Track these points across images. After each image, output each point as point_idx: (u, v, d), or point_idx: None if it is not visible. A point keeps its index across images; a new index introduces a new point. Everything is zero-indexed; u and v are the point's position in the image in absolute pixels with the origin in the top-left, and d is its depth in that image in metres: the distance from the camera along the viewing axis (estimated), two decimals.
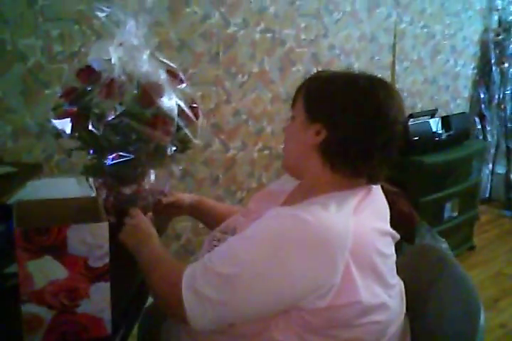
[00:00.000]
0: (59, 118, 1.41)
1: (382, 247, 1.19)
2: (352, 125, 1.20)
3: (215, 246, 1.35)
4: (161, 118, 1.39)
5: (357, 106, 1.21)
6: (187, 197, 1.69)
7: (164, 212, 1.63)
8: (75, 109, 1.40)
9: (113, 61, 1.40)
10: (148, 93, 1.39)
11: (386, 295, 1.20)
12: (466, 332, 1.24)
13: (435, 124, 3.38)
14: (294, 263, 1.11)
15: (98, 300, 1.17)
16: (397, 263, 1.29)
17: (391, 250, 1.25)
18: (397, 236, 1.29)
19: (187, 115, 1.46)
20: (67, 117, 1.40)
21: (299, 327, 1.15)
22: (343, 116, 1.21)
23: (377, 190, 1.30)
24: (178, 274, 1.19)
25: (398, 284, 1.28)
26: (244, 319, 1.18)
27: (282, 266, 1.12)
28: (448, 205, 3.43)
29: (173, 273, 1.22)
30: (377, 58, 3.47)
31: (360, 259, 1.13)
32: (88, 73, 1.42)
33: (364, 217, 1.18)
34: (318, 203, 1.17)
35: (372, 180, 1.26)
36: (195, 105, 1.52)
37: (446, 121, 3.43)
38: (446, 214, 3.44)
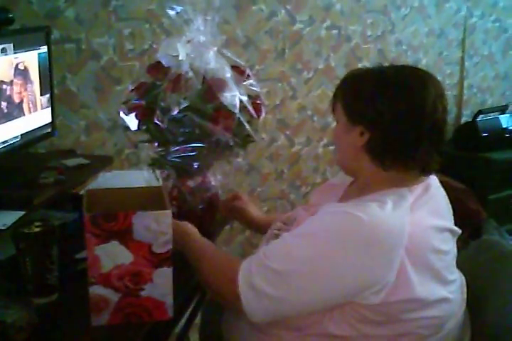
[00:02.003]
0: (128, 112, 1.48)
1: (440, 244, 1.19)
2: (390, 122, 1.20)
3: (276, 235, 1.38)
4: (223, 113, 1.43)
5: (391, 103, 1.20)
6: (254, 211, 1.71)
7: (228, 213, 1.69)
8: (143, 102, 1.47)
9: (181, 57, 1.45)
10: (212, 88, 1.44)
11: (445, 291, 1.20)
12: None
13: (505, 120, 3.30)
14: (348, 261, 1.13)
15: (161, 285, 1.22)
16: (460, 256, 1.28)
17: (449, 246, 1.24)
18: (459, 231, 1.29)
19: (249, 111, 1.49)
20: (136, 110, 1.47)
21: (354, 320, 1.17)
22: (380, 115, 1.20)
23: (436, 186, 1.30)
24: (234, 269, 1.22)
25: (459, 279, 1.28)
26: (300, 313, 1.20)
27: (336, 263, 1.14)
28: None
29: (228, 268, 1.25)
30: (445, 54, 3.42)
31: (416, 257, 1.14)
32: (157, 68, 1.48)
33: (421, 214, 1.18)
34: (374, 200, 1.17)
35: (425, 171, 1.25)
36: (258, 101, 1.55)
37: None
38: None
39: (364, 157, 1.25)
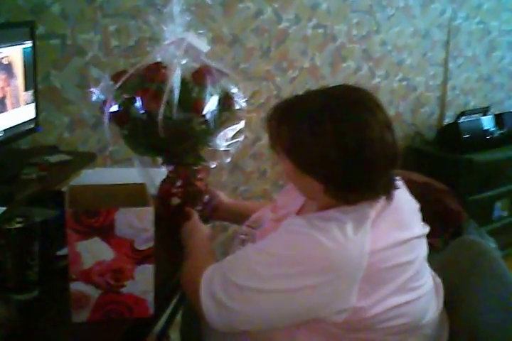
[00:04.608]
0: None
1: (404, 256, 1.17)
2: (343, 171, 1.14)
3: (243, 240, 1.41)
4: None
5: (336, 148, 1.13)
6: (226, 198, 1.75)
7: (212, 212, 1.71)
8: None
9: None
10: (202, 70, 1.51)
11: (411, 298, 1.19)
12: (504, 325, 1.26)
13: (487, 122, 3.34)
14: (307, 284, 1.13)
15: (142, 282, 1.22)
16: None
17: (415, 253, 1.22)
18: (427, 230, 1.29)
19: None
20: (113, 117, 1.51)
21: (322, 333, 1.18)
22: (330, 166, 1.15)
23: (398, 194, 1.23)
24: (202, 273, 1.24)
25: (429, 282, 1.27)
26: (257, 328, 1.21)
27: (295, 286, 1.13)
28: (498, 204, 3.38)
29: (199, 270, 1.26)
30: (430, 54, 3.44)
31: (376, 276, 1.13)
32: (155, 70, 1.51)
33: (383, 230, 1.16)
34: (335, 219, 1.15)
35: (388, 193, 1.20)
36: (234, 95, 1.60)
37: (499, 119, 3.39)
38: (496, 214, 3.39)
39: (325, 196, 1.20)
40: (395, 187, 1.21)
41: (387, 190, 1.19)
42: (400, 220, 1.22)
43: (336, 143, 1.13)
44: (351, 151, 1.13)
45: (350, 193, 1.17)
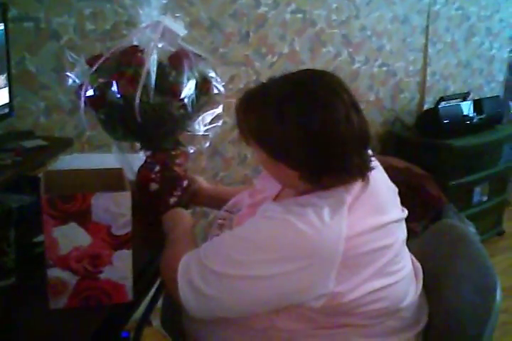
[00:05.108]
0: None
1: (382, 241, 1.17)
2: (314, 156, 1.14)
3: (221, 225, 1.40)
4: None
5: (303, 137, 1.12)
6: (205, 183, 1.74)
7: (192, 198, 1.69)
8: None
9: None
10: (179, 53, 1.50)
11: (390, 282, 1.19)
12: (482, 307, 1.26)
13: (467, 107, 3.35)
14: (284, 270, 1.12)
15: (120, 267, 1.21)
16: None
17: (394, 237, 1.22)
18: (405, 213, 1.29)
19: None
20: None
21: (300, 318, 1.18)
22: (293, 153, 1.15)
23: (375, 176, 1.23)
24: (179, 261, 1.23)
25: (406, 266, 1.27)
26: (236, 315, 1.21)
27: (274, 272, 1.13)
28: (477, 189, 3.41)
29: (177, 258, 1.24)
30: (409, 40, 3.44)
31: (354, 261, 1.13)
32: (131, 53, 1.48)
33: (359, 215, 1.15)
34: (311, 205, 1.14)
35: (362, 174, 1.19)
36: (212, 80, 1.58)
37: (478, 105, 3.40)
38: (475, 198, 3.42)
39: (301, 182, 1.20)
40: (370, 168, 1.20)
41: (361, 172, 1.18)
42: (377, 204, 1.21)
43: (301, 126, 1.12)
44: (317, 134, 1.12)
45: (324, 177, 1.17)
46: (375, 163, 1.24)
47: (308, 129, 1.12)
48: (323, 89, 1.15)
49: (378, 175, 1.27)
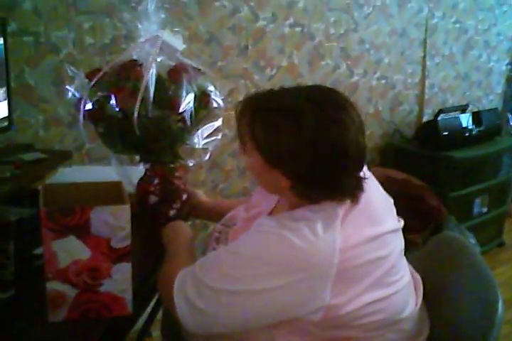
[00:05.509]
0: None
1: (376, 252, 1.17)
2: (312, 167, 1.13)
3: (217, 238, 1.40)
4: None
5: (311, 147, 1.12)
6: (204, 197, 1.75)
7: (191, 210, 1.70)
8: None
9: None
10: (178, 67, 1.50)
11: (388, 293, 1.18)
12: (484, 319, 1.25)
13: (466, 120, 3.36)
14: (279, 284, 1.12)
15: (120, 280, 1.21)
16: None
17: (390, 247, 1.21)
18: (401, 224, 1.28)
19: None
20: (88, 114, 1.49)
21: (300, 332, 1.17)
22: (300, 161, 1.14)
23: (369, 188, 1.22)
24: (176, 275, 1.22)
25: (404, 277, 1.26)
26: (233, 330, 1.20)
27: (269, 287, 1.12)
28: (477, 201, 3.40)
29: (174, 272, 1.24)
30: (407, 53, 3.45)
31: (350, 273, 1.13)
32: (130, 67, 1.49)
33: (353, 227, 1.15)
34: (304, 219, 1.14)
35: (354, 196, 1.18)
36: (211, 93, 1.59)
37: (477, 117, 3.41)
38: (475, 210, 3.41)
39: (289, 193, 1.20)
40: (362, 190, 1.19)
41: (353, 193, 1.18)
42: (371, 215, 1.21)
43: (314, 140, 1.11)
44: (326, 150, 1.12)
45: (315, 192, 1.17)
46: (367, 173, 1.24)
47: (319, 143, 1.12)
48: (336, 107, 1.15)
49: (372, 186, 1.27)
